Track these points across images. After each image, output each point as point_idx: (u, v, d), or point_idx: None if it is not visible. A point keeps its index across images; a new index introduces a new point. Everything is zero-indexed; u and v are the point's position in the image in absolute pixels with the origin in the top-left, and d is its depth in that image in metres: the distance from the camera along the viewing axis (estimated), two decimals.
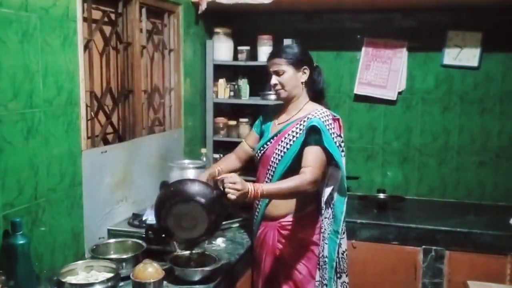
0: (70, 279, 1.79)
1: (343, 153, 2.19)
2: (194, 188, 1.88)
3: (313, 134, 2.06)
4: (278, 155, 2.16)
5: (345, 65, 3.42)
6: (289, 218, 2.20)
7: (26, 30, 1.72)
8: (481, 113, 3.22)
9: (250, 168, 2.43)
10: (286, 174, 2.09)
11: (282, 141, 2.16)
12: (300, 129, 2.13)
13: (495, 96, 3.19)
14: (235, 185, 1.79)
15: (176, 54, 2.96)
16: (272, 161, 2.18)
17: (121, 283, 1.85)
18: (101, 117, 2.37)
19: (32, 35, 1.75)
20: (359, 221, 2.85)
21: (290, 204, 2.19)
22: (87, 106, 2.14)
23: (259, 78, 3.16)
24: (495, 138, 3.22)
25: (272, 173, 2.18)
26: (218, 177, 1.87)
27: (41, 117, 1.82)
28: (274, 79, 2.17)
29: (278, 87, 2.18)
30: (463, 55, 3.19)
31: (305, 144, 2.08)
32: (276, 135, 2.21)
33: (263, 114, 2.41)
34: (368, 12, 3.32)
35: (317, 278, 2.19)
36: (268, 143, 2.23)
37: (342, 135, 2.20)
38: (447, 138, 3.30)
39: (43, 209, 1.84)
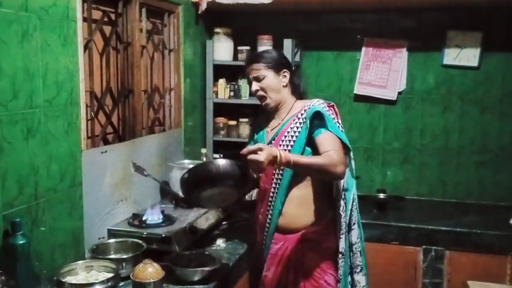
0: (70, 279, 1.78)
1: None
2: (219, 171, 1.87)
3: (319, 121, 1.99)
4: None
5: (345, 65, 3.42)
6: (312, 228, 2.10)
7: (26, 30, 1.72)
8: (481, 113, 3.22)
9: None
10: (297, 174, 2.03)
11: (282, 141, 2.07)
12: (301, 122, 2.05)
13: (495, 96, 3.19)
14: (259, 156, 1.73)
15: (176, 54, 2.96)
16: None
17: (121, 283, 1.85)
18: (101, 117, 2.37)
19: (32, 35, 1.75)
20: None
21: (309, 213, 2.10)
22: (87, 106, 2.14)
23: None
24: (495, 138, 3.22)
25: (280, 176, 2.08)
26: (242, 151, 1.79)
27: (41, 117, 1.82)
28: (255, 85, 2.12)
29: (260, 92, 2.11)
30: (463, 55, 3.19)
31: (311, 134, 2.00)
32: (273, 139, 2.13)
33: (253, 125, 2.37)
34: (368, 12, 3.32)
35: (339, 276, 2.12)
36: None
37: (340, 121, 2.11)
38: (447, 138, 3.30)
39: (43, 209, 1.84)
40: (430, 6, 3.12)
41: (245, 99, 3.29)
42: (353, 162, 2.15)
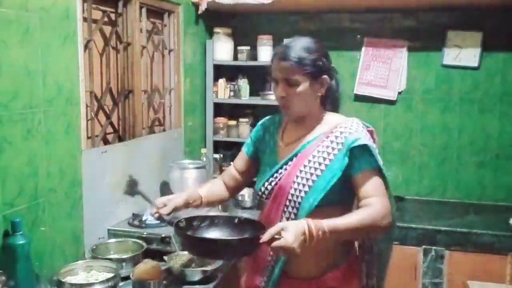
0: (70, 279, 1.79)
1: None
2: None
3: (363, 155, 1.55)
4: (303, 185, 1.58)
5: (345, 65, 3.41)
6: (332, 273, 1.62)
7: (26, 30, 1.72)
8: (481, 113, 3.22)
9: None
10: (316, 212, 1.52)
11: (305, 166, 1.59)
12: (333, 148, 1.58)
13: (495, 96, 3.19)
14: (285, 241, 1.35)
15: (176, 54, 2.96)
16: (292, 195, 1.60)
17: (121, 283, 1.85)
18: (101, 117, 2.37)
19: (32, 35, 1.75)
20: None
21: (328, 253, 1.61)
22: (87, 106, 2.14)
23: (259, 78, 3.17)
24: (495, 138, 3.22)
25: (295, 211, 1.59)
26: (263, 239, 1.40)
27: (41, 117, 1.82)
28: (281, 91, 1.60)
29: (286, 101, 1.61)
30: (463, 55, 3.19)
31: (349, 168, 1.55)
32: (291, 159, 1.64)
33: (257, 131, 1.82)
34: (368, 12, 3.32)
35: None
36: (281, 170, 1.64)
37: (377, 150, 1.63)
38: (447, 138, 3.30)
39: (43, 209, 1.84)
40: (430, 6, 3.12)
41: (245, 99, 3.29)
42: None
